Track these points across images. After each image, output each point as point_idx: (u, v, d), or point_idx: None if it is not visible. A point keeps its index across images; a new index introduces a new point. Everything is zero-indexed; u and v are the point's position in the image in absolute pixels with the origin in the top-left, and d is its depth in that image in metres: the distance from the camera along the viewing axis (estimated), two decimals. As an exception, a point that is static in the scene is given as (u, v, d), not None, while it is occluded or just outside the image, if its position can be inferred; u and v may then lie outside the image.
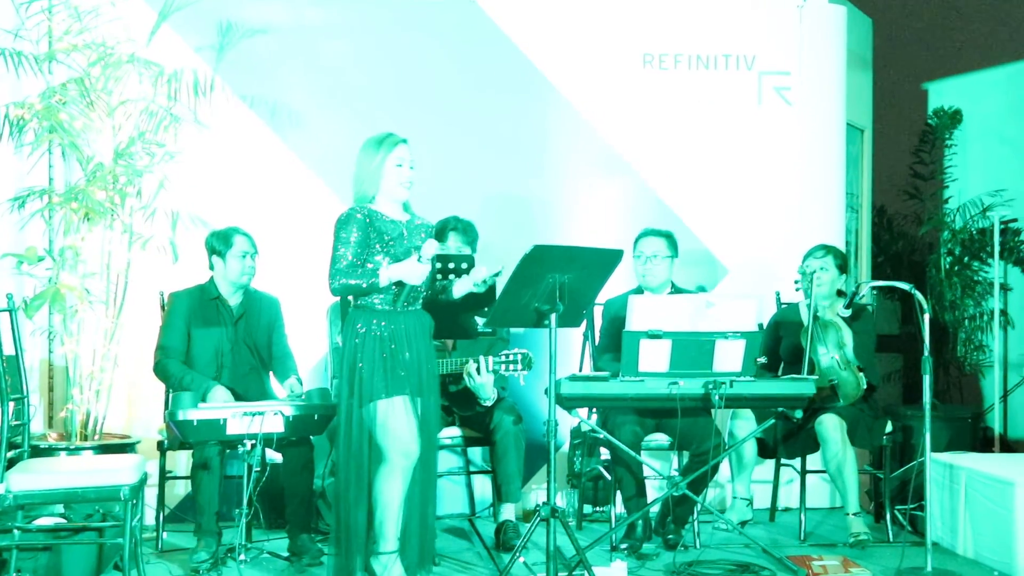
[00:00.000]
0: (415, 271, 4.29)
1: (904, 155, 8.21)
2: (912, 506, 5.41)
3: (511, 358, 5.05)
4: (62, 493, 4.22)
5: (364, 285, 4.26)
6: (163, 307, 5.36)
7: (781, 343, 5.60)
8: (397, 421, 4.27)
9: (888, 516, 5.45)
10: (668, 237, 5.46)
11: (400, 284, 4.32)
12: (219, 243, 5.22)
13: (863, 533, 5.20)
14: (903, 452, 5.73)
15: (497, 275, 4.44)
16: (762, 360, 5.19)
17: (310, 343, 5.69)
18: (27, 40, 5.46)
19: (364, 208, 4.33)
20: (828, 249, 5.55)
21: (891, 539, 5.35)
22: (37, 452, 5.03)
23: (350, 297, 4.41)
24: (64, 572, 4.48)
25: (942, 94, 8.39)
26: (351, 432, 4.31)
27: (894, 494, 5.50)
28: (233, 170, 5.88)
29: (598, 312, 5.60)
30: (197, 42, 5.87)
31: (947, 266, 7.58)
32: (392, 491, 4.28)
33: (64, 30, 5.47)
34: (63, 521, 4.52)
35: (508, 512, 5.27)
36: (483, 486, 5.94)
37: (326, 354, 5.64)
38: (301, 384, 5.13)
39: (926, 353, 4.72)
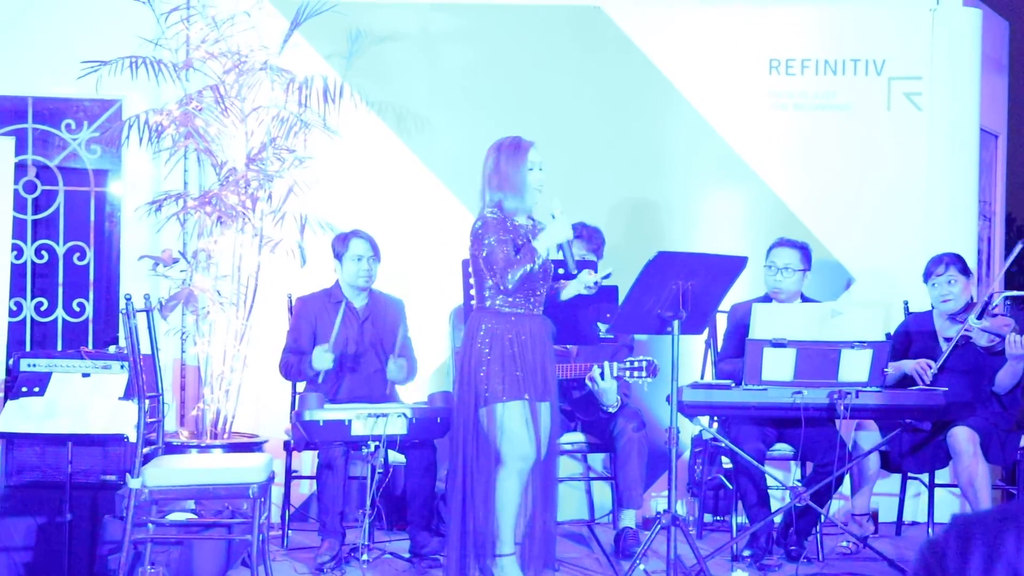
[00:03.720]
0: (558, 228, 4.31)
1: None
2: (1047, 524, 5.22)
3: (635, 364, 5.04)
4: (194, 489, 4.34)
5: (532, 265, 4.27)
6: (291, 310, 5.48)
7: (911, 349, 5.47)
8: (516, 425, 4.29)
9: (1021, 533, 5.27)
10: (803, 249, 5.36)
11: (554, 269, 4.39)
12: (339, 246, 5.33)
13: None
14: (1038, 467, 5.55)
15: (607, 277, 4.44)
16: (889, 370, 5.09)
17: (433, 347, 5.76)
18: (166, 49, 5.63)
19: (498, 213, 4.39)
20: (942, 261, 5.36)
21: (1024, 557, 5.18)
22: (170, 449, 5.18)
23: (473, 302, 4.45)
24: (195, 566, 4.61)
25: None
26: (476, 434, 4.33)
27: (1028, 511, 5.32)
28: (360, 175, 5.98)
29: (721, 319, 5.55)
30: (327, 50, 5.98)
31: (1085, 276, 7.33)
32: (510, 494, 4.30)
33: (200, 39, 5.63)
34: (194, 517, 4.66)
35: (628, 519, 5.25)
36: (602, 492, 5.94)
37: (448, 358, 5.70)
38: (403, 368, 5.21)
39: (1063, 365, 4.57)
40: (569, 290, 4.48)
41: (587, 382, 5.12)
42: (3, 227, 5.64)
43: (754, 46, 6.10)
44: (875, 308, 4.92)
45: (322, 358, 5.11)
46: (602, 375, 5.08)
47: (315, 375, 5.15)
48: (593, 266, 4.74)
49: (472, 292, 4.61)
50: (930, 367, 5.13)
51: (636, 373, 5.04)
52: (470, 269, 4.63)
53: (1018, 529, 1.58)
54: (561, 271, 4.48)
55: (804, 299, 5.39)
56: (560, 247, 4.37)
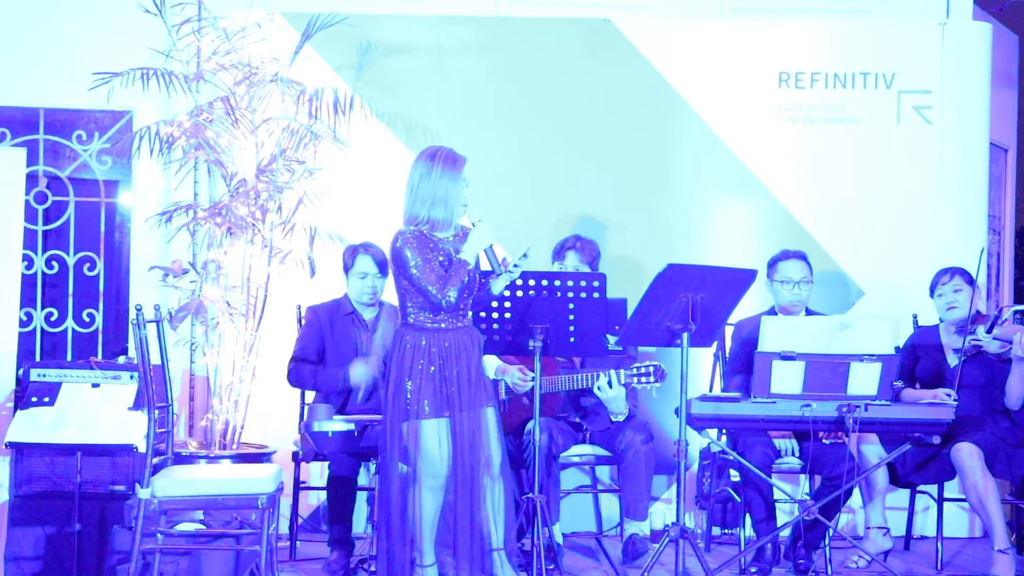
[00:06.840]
0: (480, 235, 4.32)
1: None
2: (1058, 539, 5.21)
3: (643, 370, 5.03)
4: (203, 499, 4.35)
5: (466, 277, 4.27)
6: (300, 321, 5.49)
7: (918, 364, 5.46)
8: (431, 444, 4.30)
9: (1031, 549, 5.27)
10: (807, 259, 5.38)
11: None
12: (347, 259, 5.34)
13: (1010, 571, 4.99)
14: (1048, 481, 5.52)
15: (524, 256, 4.42)
16: (899, 384, 5.08)
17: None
18: (177, 61, 5.64)
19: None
20: (947, 271, 5.37)
21: (1034, 573, 5.16)
22: (179, 459, 5.19)
23: (411, 319, 4.40)
24: (203, 577, 4.62)
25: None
26: (396, 447, 4.33)
27: (1038, 526, 5.32)
28: (370, 187, 5.99)
29: (728, 332, 5.55)
30: (338, 62, 6.00)
31: (1095, 290, 7.31)
32: (425, 509, 4.32)
33: (211, 51, 5.65)
34: (203, 527, 4.66)
35: (635, 529, 5.24)
36: (610, 504, 5.94)
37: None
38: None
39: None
40: (498, 283, 4.45)
41: (595, 391, 5.11)
42: (14, 237, 5.65)
43: (764, 59, 6.11)
44: (884, 321, 4.91)
45: (360, 371, 5.12)
46: (610, 383, 5.07)
47: (347, 388, 5.15)
48: (591, 278, 4.72)
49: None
50: (949, 396, 5.08)
51: (644, 379, 5.04)
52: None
53: None
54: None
55: (808, 312, 5.38)
56: (485, 252, 4.37)
